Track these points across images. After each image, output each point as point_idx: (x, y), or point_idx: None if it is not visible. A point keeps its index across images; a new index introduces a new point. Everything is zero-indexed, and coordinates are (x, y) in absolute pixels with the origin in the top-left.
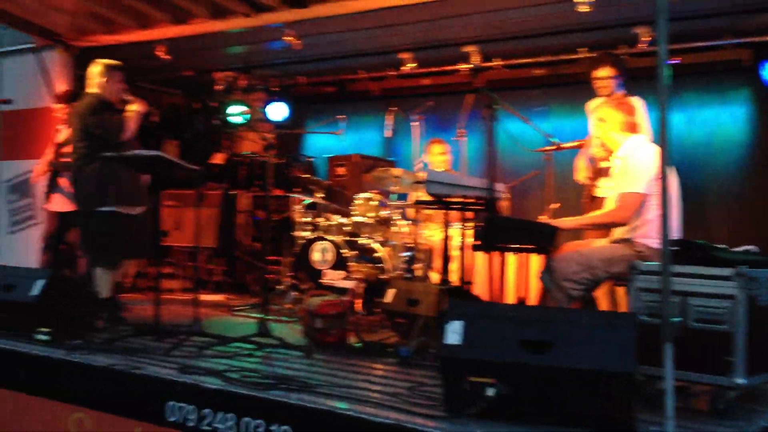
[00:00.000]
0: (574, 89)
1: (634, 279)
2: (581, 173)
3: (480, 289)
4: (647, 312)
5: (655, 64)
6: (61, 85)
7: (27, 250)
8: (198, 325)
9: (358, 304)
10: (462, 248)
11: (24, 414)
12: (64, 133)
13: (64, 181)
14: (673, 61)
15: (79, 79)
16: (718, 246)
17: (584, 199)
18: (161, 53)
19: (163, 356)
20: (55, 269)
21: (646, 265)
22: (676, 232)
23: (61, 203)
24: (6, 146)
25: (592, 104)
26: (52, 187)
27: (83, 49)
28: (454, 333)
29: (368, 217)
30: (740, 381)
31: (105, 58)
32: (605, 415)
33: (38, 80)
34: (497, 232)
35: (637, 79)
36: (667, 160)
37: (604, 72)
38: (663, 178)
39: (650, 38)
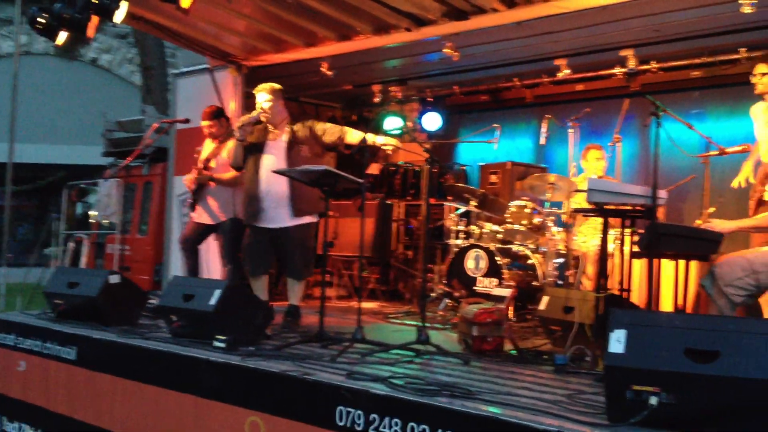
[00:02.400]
0: (733, 91)
1: None
2: (743, 177)
3: (636, 296)
4: None
5: None
6: (232, 103)
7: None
8: (360, 333)
9: (510, 311)
10: (619, 255)
11: (203, 417)
12: (207, 148)
13: (208, 195)
14: None
15: (248, 97)
16: None
17: (751, 203)
18: (325, 69)
19: (329, 362)
20: (193, 273)
21: None
22: None
23: (205, 216)
24: (179, 162)
25: (756, 108)
26: (197, 199)
27: (253, 68)
28: (617, 341)
29: (521, 225)
30: None
31: (272, 76)
32: None
33: (210, 99)
34: (660, 240)
35: None
36: None
37: (760, 68)
38: None
39: None
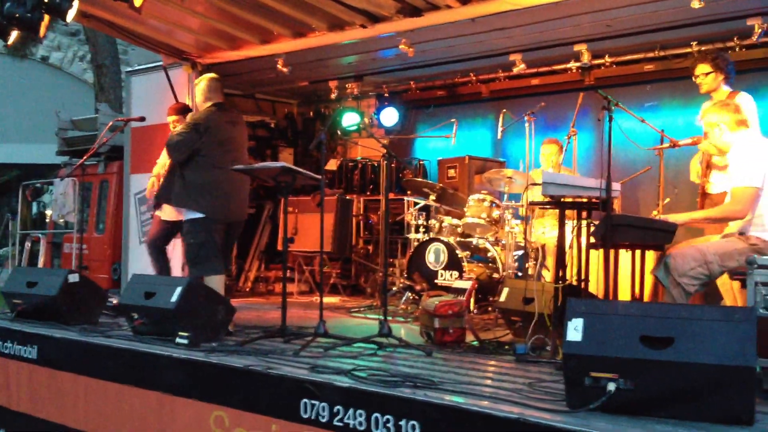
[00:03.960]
0: (685, 84)
1: (752, 273)
2: (694, 173)
3: (593, 286)
4: (766, 306)
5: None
6: (187, 100)
7: None
8: (322, 327)
9: (471, 303)
10: (577, 246)
11: (168, 413)
12: None
13: None
14: None
15: None
16: None
17: (699, 195)
18: (280, 66)
19: (293, 357)
20: (164, 274)
21: (763, 259)
22: None
23: (169, 212)
24: (135, 160)
25: (704, 107)
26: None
27: (208, 65)
28: (575, 330)
29: (480, 218)
30: None
31: (228, 73)
32: (726, 409)
33: (165, 96)
34: (615, 231)
35: (752, 71)
36: None
37: (700, 69)
38: None
39: (762, 30)
